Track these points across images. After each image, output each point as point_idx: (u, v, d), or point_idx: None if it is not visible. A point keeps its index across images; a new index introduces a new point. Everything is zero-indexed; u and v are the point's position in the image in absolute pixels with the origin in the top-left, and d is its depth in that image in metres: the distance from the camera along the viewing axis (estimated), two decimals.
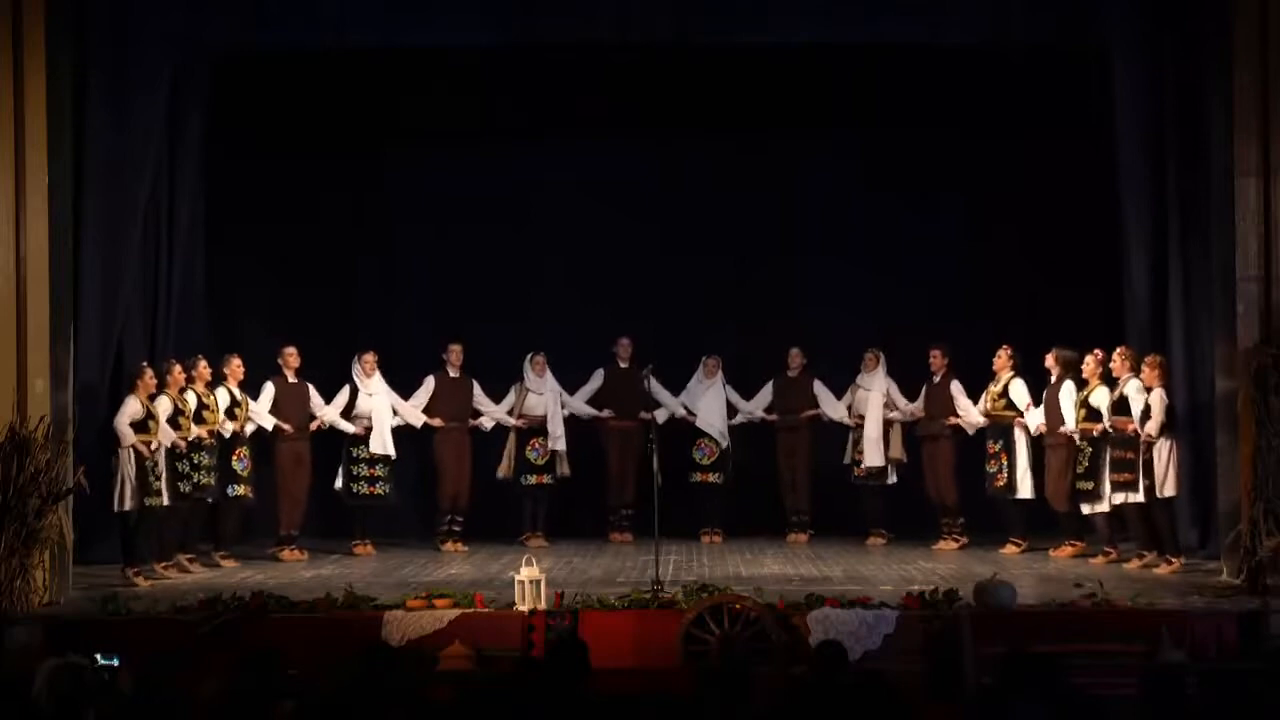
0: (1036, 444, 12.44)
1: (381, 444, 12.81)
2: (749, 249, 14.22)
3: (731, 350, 13.71)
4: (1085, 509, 11.90)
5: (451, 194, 14.18)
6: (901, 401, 13.18)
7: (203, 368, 12.05)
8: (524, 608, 9.41)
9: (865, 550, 12.75)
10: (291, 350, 12.77)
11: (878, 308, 13.98)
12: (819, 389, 13.43)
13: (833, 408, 13.38)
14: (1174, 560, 11.18)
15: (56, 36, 10.68)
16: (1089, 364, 11.91)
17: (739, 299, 14.19)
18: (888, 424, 13.14)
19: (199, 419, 11.88)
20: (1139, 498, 11.34)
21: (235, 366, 12.39)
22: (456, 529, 13.03)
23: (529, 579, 9.47)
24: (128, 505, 11.21)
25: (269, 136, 13.57)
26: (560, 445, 13.22)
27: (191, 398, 11.84)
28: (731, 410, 13.52)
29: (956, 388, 12.90)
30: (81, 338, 11.24)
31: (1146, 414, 11.25)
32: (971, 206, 14.06)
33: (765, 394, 13.60)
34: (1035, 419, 12.36)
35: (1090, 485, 11.78)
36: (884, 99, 13.54)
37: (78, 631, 9.14)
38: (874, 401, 13.13)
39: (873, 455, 13.10)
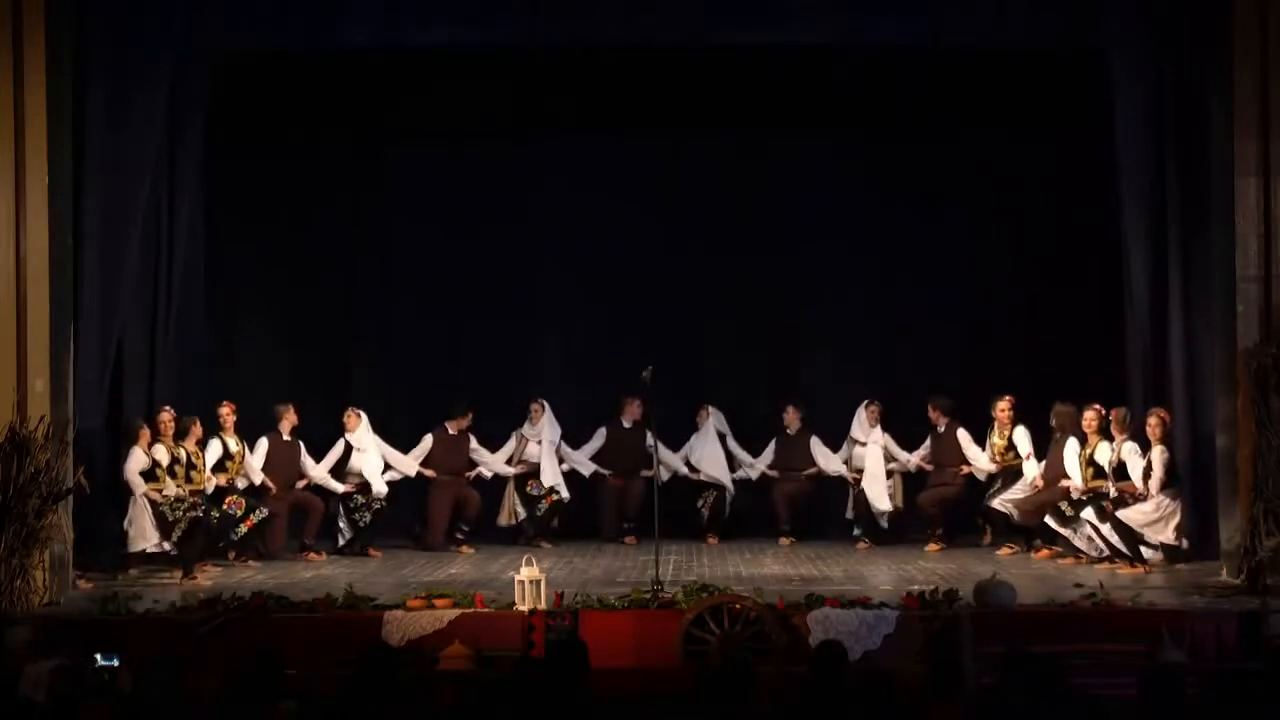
0: None
1: (376, 490, 12.69)
2: (749, 249, 14.21)
3: (731, 351, 13.70)
4: (1055, 525, 11.84)
5: (451, 194, 14.18)
6: (900, 453, 13.12)
7: (196, 427, 12.00)
8: (524, 608, 9.41)
9: (865, 550, 12.71)
10: (289, 409, 12.72)
11: (877, 307, 13.99)
12: (815, 446, 13.35)
13: (829, 462, 13.29)
14: (1137, 565, 11.17)
15: (56, 36, 10.68)
16: (1089, 419, 11.79)
17: (739, 299, 14.18)
18: (889, 474, 13.10)
19: (188, 478, 11.87)
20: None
21: (226, 415, 12.31)
22: (460, 536, 12.98)
23: (529, 579, 9.47)
24: (149, 548, 11.40)
25: (269, 136, 13.57)
26: (549, 481, 13.15)
27: (183, 452, 11.83)
28: (733, 463, 13.46)
29: (964, 436, 12.84)
30: (81, 338, 11.23)
31: (1149, 469, 11.18)
32: (972, 206, 14.04)
33: (769, 454, 13.52)
34: (1032, 470, 12.30)
35: (1071, 512, 11.74)
36: (884, 100, 13.53)
37: (78, 631, 9.15)
38: (873, 454, 13.02)
39: (879, 498, 12.95)
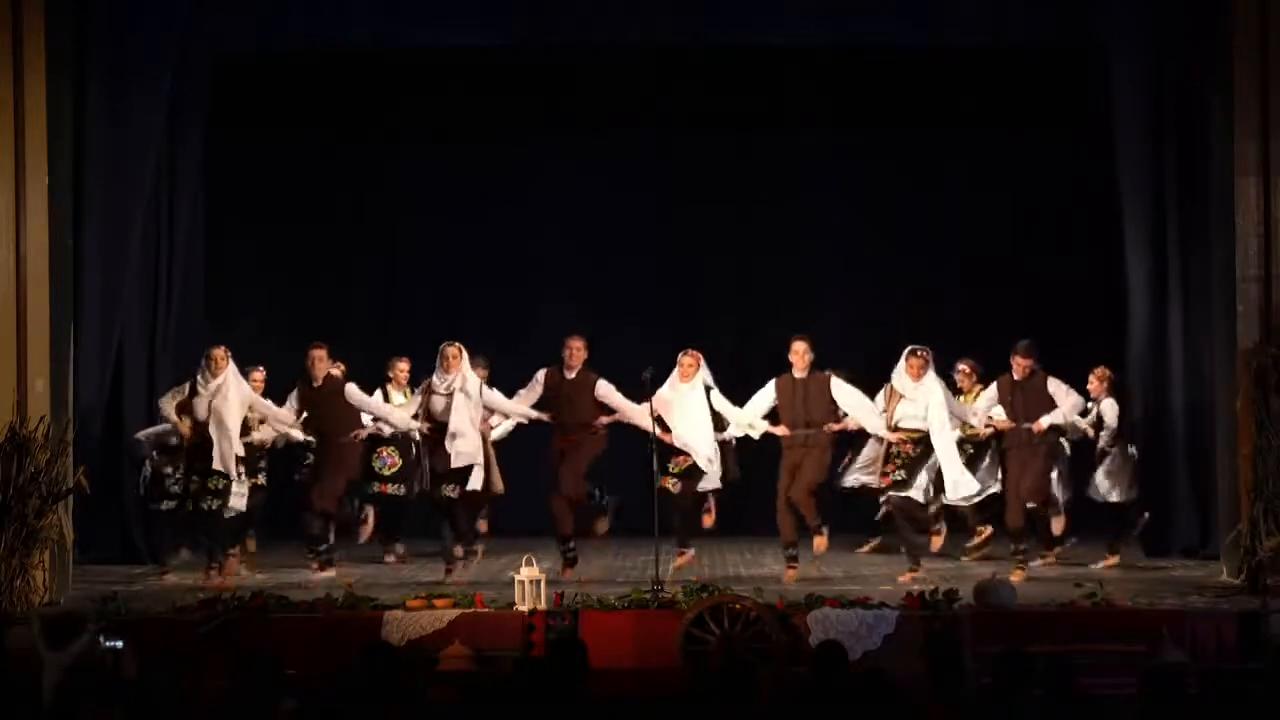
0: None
1: (219, 457, 10.90)
2: (749, 249, 14.23)
3: (731, 352, 13.67)
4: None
5: (452, 194, 14.19)
6: (967, 413, 11.29)
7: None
8: (524, 608, 9.42)
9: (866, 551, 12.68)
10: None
11: (877, 307, 13.98)
12: (841, 389, 10.89)
13: (870, 415, 10.90)
14: (1112, 557, 11.41)
15: (57, 36, 10.69)
16: (961, 375, 11.85)
17: (739, 299, 14.19)
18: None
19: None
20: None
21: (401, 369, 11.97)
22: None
23: (529, 579, 9.48)
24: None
25: (269, 136, 13.60)
26: (465, 459, 10.80)
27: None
28: (720, 422, 10.94)
29: (1055, 385, 11.06)
30: (81, 338, 11.25)
31: (1099, 424, 11.43)
32: (970, 206, 14.06)
33: (763, 398, 10.98)
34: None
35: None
36: (884, 99, 13.55)
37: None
38: (938, 415, 10.73)
39: (959, 481, 10.81)
